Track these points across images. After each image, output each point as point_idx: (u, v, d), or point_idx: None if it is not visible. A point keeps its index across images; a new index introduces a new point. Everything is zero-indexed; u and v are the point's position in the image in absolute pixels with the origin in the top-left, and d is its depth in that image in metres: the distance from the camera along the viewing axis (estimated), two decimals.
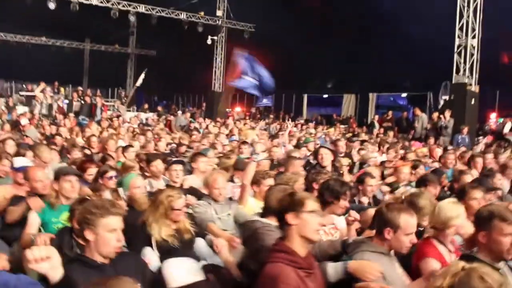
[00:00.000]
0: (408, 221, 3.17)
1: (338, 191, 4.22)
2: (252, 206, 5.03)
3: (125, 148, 8.61)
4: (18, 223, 4.40)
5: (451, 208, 3.71)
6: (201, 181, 5.92)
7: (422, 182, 5.72)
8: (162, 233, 3.95)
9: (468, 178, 6.02)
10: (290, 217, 2.84)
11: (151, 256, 3.84)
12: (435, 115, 15.65)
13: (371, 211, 4.70)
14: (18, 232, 4.32)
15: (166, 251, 3.89)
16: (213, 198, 4.94)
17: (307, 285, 2.73)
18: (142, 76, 16.84)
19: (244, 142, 9.43)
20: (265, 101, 27.96)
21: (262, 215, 3.79)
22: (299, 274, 2.71)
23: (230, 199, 5.45)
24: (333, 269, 3.13)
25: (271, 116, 26.33)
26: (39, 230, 4.15)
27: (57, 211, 4.21)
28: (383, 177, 7.52)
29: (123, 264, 2.89)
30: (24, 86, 21.86)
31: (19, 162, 5.22)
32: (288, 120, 19.64)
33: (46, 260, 2.14)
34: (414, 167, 7.44)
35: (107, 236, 2.76)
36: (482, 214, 3.26)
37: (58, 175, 4.28)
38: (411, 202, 4.02)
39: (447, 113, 14.95)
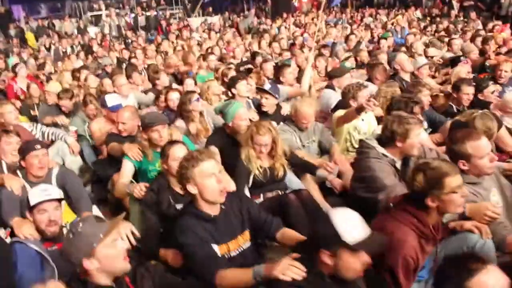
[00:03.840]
0: (476, 146, 3.07)
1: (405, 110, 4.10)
2: (347, 124, 4.96)
3: (204, 57, 8.63)
4: (112, 164, 4.68)
5: None
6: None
7: None
8: (255, 165, 3.99)
9: None
10: (430, 201, 2.63)
11: None
12: None
13: (450, 123, 4.54)
14: (111, 172, 4.66)
15: (257, 185, 4.01)
16: (299, 127, 4.88)
17: (424, 250, 2.68)
18: None
19: (325, 46, 9.10)
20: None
21: (380, 142, 3.64)
22: (420, 242, 2.63)
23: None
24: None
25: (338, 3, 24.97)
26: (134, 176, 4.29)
27: (152, 159, 4.21)
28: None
29: (231, 212, 2.94)
30: (91, 5, 21.93)
31: (111, 100, 5.37)
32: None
33: None
34: None
35: (207, 183, 2.76)
36: None
37: (145, 126, 4.23)
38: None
39: None
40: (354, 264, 2.25)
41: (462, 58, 6.78)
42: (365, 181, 3.58)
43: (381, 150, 3.55)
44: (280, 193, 4.08)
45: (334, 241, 2.23)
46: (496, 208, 2.90)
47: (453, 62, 6.84)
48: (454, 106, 5.41)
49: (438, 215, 2.70)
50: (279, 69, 6.92)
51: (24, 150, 3.81)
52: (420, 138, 3.62)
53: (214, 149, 4.41)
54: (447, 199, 2.60)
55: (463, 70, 6.24)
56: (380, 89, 5.48)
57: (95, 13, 20.25)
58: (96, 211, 4.16)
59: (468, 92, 5.30)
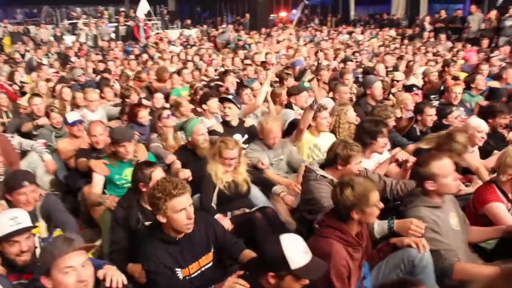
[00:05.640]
0: (440, 165, 3.27)
1: (374, 131, 4.34)
2: (306, 141, 5.18)
3: (178, 73, 8.74)
4: (81, 175, 4.80)
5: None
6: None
7: (488, 113, 5.39)
8: (221, 179, 4.15)
9: None
10: (354, 214, 2.85)
11: None
12: (493, 13, 14.54)
13: (412, 147, 4.76)
14: (81, 184, 4.79)
15: (222, 200, 4.15)
16: (267, 145, 5.02)
17: (353, 258, 2.87)
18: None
19: (288, 67, 9.28)
20: (294, 12, 25.93)
21: (322, 165, 3.86)
22: (348, 251, 2.84)
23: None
24: (380, 227, 3.27)
25: (317, 20, 25.42)
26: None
27: (119, 168, 4.50)
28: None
29: (196, 234, 3.00)
30: (68, 12, 21.75)
31: (71, 117, 5.49)
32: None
33: None
34: (471, 80, 7.07)
35: (176, 216, 2.81)
36: None
37: (114, 141, 4.46)
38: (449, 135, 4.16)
39: None
40: (295, 287, 2.46)
41: (414, 88, 7.02)
42: (307, 204, 3.79)
43: (320, 172, 3.77)
44: (246, 210, 4.20)
45: (281, 267, 2.42)
46: (420, 224, 3.12)
47: (408, 89, 7.09)
48: (417, 128, 5.58)
49: (359, 225, 2.94)
50: (239, 87, 7.10)
51: (10, 186, 3.49)
52: (361, 166, 3.84)
53: (178, 168, 4.64)
54: (369, 212, 2.85)
55: (409, 97, 6.39)
56: (333, 108, 5.68)
57: (71, 21, 20.09)
58: None
59: (431, 113, 5.48)
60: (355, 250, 2.90)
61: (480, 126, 4.84)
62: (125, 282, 2.55)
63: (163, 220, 2.84)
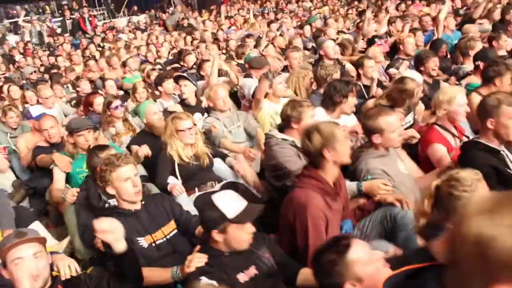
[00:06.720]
0: (387, 121, 3.40)
1: (344, 90, 4.37)
2: (267, 109, 5.20)
3: (125, 62, 8.57)
4: (45, 174, 4.65)
5: (443, 92, 3.90)
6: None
7: (417, 62, 5.53)
8: (182, 156, 4.12)
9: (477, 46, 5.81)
10: (326, 152, 2.89)
11: (174, 181, 4.06)
12: None
13: (371, 102, 4.85)
14: (46, 183, 4.61)
15: (187, 174, 4.12)
16: (218, 109, 5.03)
17: (331, 208, 2.91)
18: None
19: (249, 35, 9.26)
20: None
21: (280, 128, 3.93)
22: (325, 199, 2.88)
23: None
24: (349, 188, 3.34)
25: None
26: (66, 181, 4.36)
27: (79, 161, 4.34)
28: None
29: (153, 206, 3.18)
30: (7, 11, 20.76)
31: (36, 111, 5.31)
32: None
33: (110, 232, 2.39)
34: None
35: (123, 186, 3.04)
36: (489, 102, 3.32)
37: (71, 131, 4.36)
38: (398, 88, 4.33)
39: None
40: (242, 235, 2.55)
41: (376, 39, 7.07)
42: (273, 170, 3.86)
43: (280, 135, 3.85)
44: (214, 184, 4.18)
45: (220, 220, 2.52)
46: (387, 182, 3.25)
47: (370, 43, 7.13)
48: (360, 83, 5.52)
49: (334, 168, 2.97)
50: (199, 64, 7.07)
51: None
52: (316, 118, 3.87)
53: (136, 148, 4.60)
54: (340, 149, 2.91)
55: (377, 50, 6.51)
56: (294, 70, 5.69)
57: (12, 20, 19.20)
58: (37, 224, 4.11)
59: (370, 65, 5.54)
60: (333, 199, 2.93)
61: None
62: (78, 269, 2.66)
63: (112, 191, 3.07)
